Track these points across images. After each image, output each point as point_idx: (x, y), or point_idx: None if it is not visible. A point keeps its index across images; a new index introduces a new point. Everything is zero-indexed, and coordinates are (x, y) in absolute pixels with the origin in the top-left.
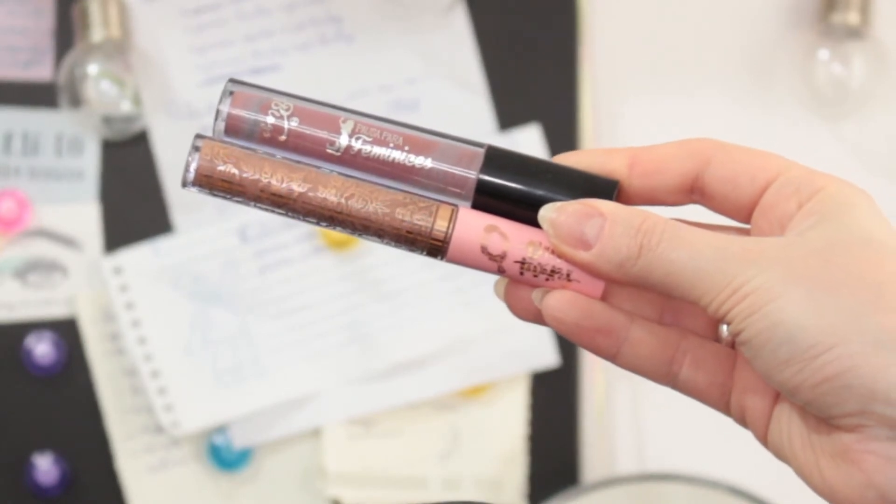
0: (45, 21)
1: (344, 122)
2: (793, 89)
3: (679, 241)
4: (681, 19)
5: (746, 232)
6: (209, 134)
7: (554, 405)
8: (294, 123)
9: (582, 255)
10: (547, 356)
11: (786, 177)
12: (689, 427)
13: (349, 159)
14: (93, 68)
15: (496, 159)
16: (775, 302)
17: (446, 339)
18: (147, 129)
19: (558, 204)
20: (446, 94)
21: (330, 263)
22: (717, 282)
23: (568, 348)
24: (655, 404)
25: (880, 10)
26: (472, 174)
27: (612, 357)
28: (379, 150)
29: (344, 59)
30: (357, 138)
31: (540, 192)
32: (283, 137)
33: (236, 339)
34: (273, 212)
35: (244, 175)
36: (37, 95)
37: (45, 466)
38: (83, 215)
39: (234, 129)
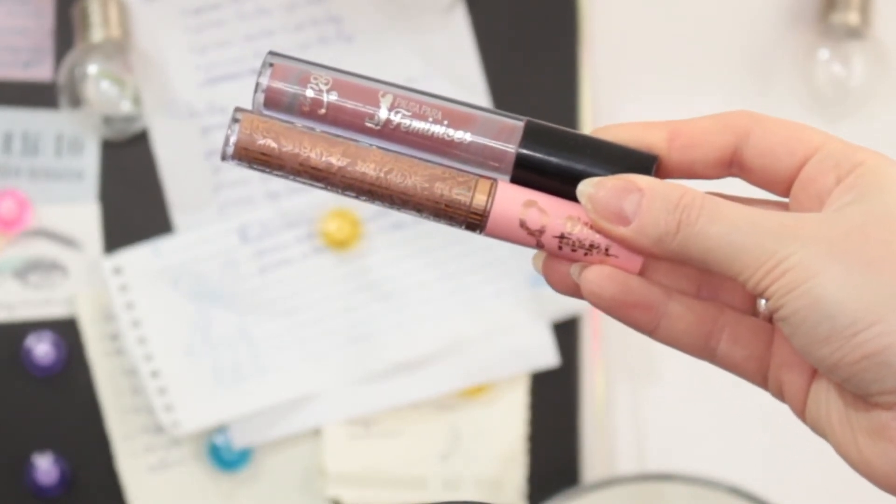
0: (45, 21)
1: (383, 95)
2: (793, 89)
3: (718, 215)
4: (681, 19)
5: (785, 206)
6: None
7: (554, 405)
8: (333, 97)
9: (620, 231)
10: (547, 356)
11: (825, 150)
12: (689, 427)
13: (388, 133)
14: (93, 68)
15: (535, 133)
16: (815, 279)
17: (446, 339)
18: (147, 129)
19: (597, 179)
20: (446, 94)
21: (330, 263)
22: (755, 257)
23: (568, 348)
24: (655, 404)
25: (880, 10)
26: (511, 148)
27: (651, 332)
28: (418, 124)
29: (344, 59)
30: (396, 112)
31: (579, 167)
32: (322, 111)
33: (236, 339)
34: (312, 185)
35: (283, 149)
36: (37, 95)
37: (45, 466)
38: (83, 215)
39: (273, 101)
